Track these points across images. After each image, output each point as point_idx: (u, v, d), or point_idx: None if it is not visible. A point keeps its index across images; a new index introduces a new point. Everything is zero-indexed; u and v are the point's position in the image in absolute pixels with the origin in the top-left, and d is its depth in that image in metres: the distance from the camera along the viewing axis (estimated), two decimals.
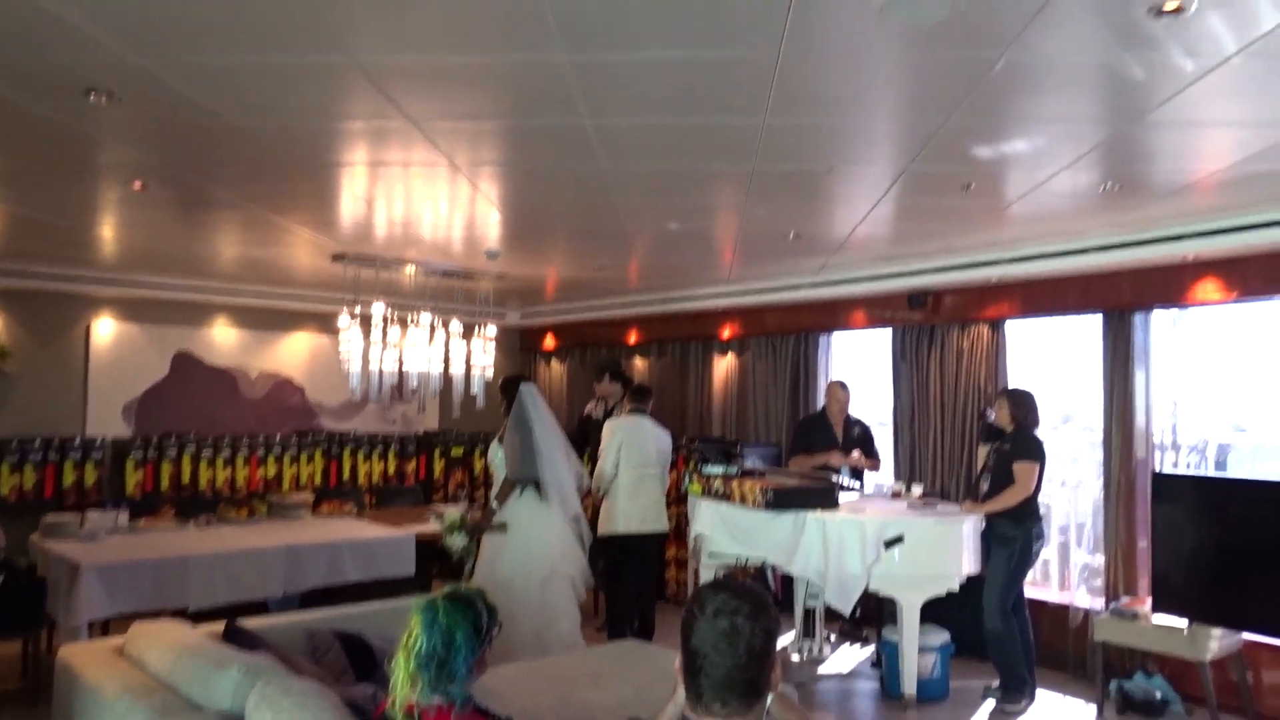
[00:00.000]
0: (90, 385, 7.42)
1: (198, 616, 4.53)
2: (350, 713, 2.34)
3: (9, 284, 6.88)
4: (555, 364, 10.00)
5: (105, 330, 7.52)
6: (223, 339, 8.12)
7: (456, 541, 5.04)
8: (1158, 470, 5.42)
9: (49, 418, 7.13)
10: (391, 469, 8.61)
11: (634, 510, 5.82)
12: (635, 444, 5.89)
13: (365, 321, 6.50)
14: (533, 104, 3.28)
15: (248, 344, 8.24)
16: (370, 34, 2.64)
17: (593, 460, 6.02)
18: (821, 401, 6.88)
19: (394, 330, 6.64)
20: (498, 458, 5.14)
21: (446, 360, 6.89)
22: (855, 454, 6.25)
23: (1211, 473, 5.59)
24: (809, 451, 6.28)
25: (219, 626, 3.11)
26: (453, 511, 5.19)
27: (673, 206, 4.88)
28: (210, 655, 2.53)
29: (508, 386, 5.21)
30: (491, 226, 5.45)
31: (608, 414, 6.53)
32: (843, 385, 6.45)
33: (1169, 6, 2.33)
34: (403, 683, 2.02)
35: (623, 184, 4.36)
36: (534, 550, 4.89)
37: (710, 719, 1.63)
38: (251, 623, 3.26)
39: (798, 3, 2.36)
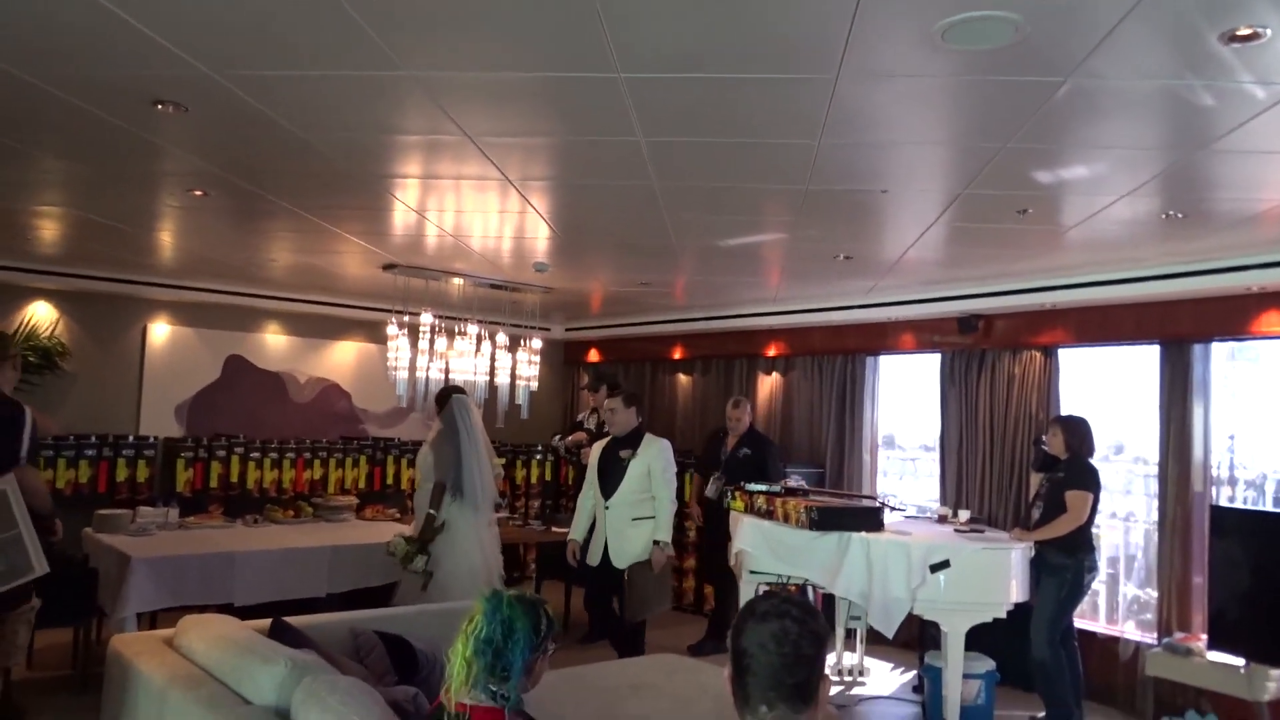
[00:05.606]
0: (145, 385, 7.58)
1: (242, 613, 4.61)
2: (392, 712, 2.35)
3: (70, 285, 7.07)
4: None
5: (160, 333, 7.69)
6: (273, 344, 8.25)
7: (418, 563, 5.07)
8: (1214, 504, 5.29)
9: (104, 415, 7.29)
10: None
11: None
12: None
13: (413, 331, 6.59)
14: (587, 120, 3.30)
15: (297, 349, 8.37)
16: (431, 51, 2.68)
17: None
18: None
19: (441, 340, 6.73)
20: (426, 462, 5.32)
21: (492, 371, 6.95)
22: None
23: (1270, 508, 5.43)
24: (705, 473, 6.84)
25: (265, 623, 3.15)
26: (398, 540, 5.14)
27: (722, 225, 4.88)
28: (258, 650, 2.56)
29: (441, 397, 5.52)
30: (540, 240, 5.49)
31: (598, 425, 6.74)
32: (735, 403, 6.78)
33: (1243, 32, 2.29)
34: (458, 669, 2.04)
35: (673, 201, 4.37)
36: (469, 549, 5.12)
37: None
38: (297, 620, 3.30)
39: (857, 27, 2.36)
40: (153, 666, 2.71)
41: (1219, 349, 5.48)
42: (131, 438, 7.24)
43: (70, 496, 6.64)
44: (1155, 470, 5.66)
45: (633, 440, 5.27)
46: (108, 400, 7.39)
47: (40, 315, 7.13)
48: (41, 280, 6.97)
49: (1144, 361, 5.82)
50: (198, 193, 4.53)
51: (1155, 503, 5.66)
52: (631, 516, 5.16)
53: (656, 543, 5.10)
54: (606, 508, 5.19)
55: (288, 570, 5.27)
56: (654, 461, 5.19)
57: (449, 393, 5.61)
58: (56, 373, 6.94)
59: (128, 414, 7.48)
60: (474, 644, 2.05)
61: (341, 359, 8.61)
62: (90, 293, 7.21)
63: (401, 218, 5.02)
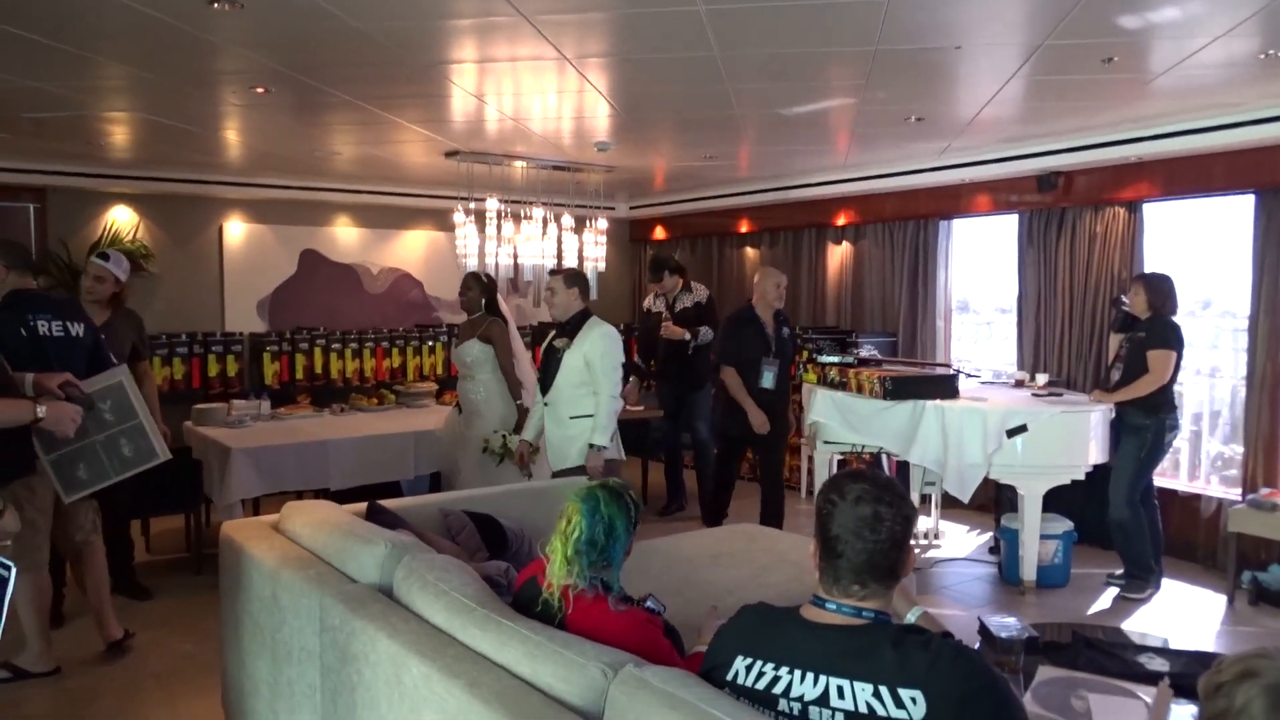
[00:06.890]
0: (226, 283, 7.82)
1: (337, 496, 4.86)
2: (488, 586, 2.49)
3: (146, 189, 7.24)
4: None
5: (236, 231, 7.86)
6: (344, 236, 8.38)
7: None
8: None
9: (191, 314, 7.58)
10: None
11: None
12: None
13: (479, 217, 6.62)
14: None
15: (368, 241, 8.49)
16: None
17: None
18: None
19: (507, 225, 6.75)
20: (473, 353, 5.30)
21: (559, 253, 6.98)
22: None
23: None
24: (740, 362, 5.53)
25: (361, 506, 3.32)
26: (498, 437, 5.10)
27: (787, 93, 4.72)
28: (359, 533, 2.71)
29: (489, 289, 5.53)
30: (601, 119, 5.39)
31: (669, 307, 6.66)
32: (780, 272, 5.81)
33: None
34: (560, 566, 2.11)
35: (736, 70, 4.23)
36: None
37: (846, 599, 1.67)
38: (391, 503, 3.47)
39: None
40: (263, 550, 2.90)
41: None
42: (219, 334, 7.54)
43: (167, 392, 6.98)
44: (1244, 324, 5.49)
45: (572, 327, 4.55)
46: (193, 299, 7.65)
47: (122, 220, 7.35)
48: (118, 185, 7.15)
49: (1236, 212, 5.56)
50: (259, 90, 4.54)
51: (1243, 358, 5.51)
52: (569, 414, 4.51)
53: (592, 446, 4.43)
54: (545, 404, 4.61)
55: (377, 455, 5.52)
56: (590, 352, 4.44)
57: (493, 284, 5.64)
58: (142, 275, 7.18)
59: (213, 312, 7.76)
60: (574, 545, 2.10)
61: (412, 249, 8.72)
62: (165, 194, 7.38)
63: (460, 104, 4.97)
